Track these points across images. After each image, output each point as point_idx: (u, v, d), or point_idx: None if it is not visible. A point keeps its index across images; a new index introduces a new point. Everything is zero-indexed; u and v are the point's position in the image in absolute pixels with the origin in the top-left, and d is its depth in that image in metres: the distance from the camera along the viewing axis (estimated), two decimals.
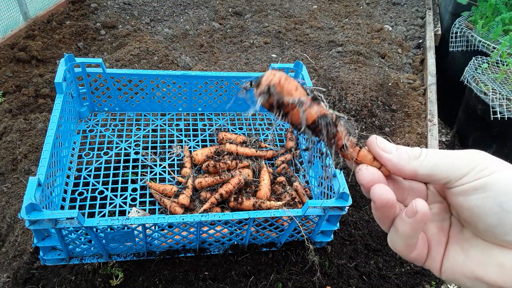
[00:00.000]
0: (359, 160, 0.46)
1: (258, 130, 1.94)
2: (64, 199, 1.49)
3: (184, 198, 1.47)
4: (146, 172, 1.66)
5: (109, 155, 1.70)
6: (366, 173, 0.44)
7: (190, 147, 1.80)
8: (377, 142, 0.44)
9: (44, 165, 1.29)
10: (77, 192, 1.54)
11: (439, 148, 2.24)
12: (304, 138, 1.84)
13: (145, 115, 1.92)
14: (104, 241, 1.26)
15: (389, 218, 0.44)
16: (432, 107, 2.39)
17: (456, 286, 1.61)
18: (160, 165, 1.70)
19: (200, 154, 1.67)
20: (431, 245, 0.45)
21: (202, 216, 1.23)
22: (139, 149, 1.75)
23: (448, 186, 0.41)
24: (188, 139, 1.84)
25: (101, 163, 1.66)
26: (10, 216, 1.51)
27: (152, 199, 1.56)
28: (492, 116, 1.89)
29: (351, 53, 2.83)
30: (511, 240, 0.37)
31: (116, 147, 1.74)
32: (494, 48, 2.22)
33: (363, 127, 2.26)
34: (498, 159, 0.40)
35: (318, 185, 1.61)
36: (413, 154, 0.42)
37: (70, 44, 2.61)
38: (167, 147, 1.79)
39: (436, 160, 0.40)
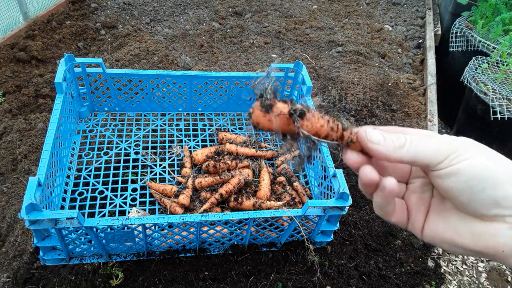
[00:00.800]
0: (351, 147, 0.52)
1: (258, 130, 1.94)
2: (64, 199, 1.49)
3: (184, 198, 1.47)
4: (146, 172, 1.66)
5: (109, 155, 1.70)
6: (352, 158, 0.51)
7: (190, 147, 1.80)
8: (366, 135, 0.49)
9: (44, 165, 1.29)
10: (77, 192, 1.54)
11: None
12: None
13: (145, 115, 1.92)
14: (104, 241, 1.26)
15: (371, 192, 0.52)
16: (432, 107, 2.39)
17: (456, 286, 1.61)
18: (160, 165, 1.70)
19: (200, 154, 1.67)
20: (411, 212, 0.53)
21: (202, 216, 1.23)
22: (139, 149, 1.75)
23: (428, 169, 0.47)
24: (188, 139, 1.84)
25: (101, 163, 1.66)
26: (10, 216, 1.51)
27: (152, 199, 1.56)
28: (492, 116, 1.89)
29: (351, 53, 2.83)
30: (481, 213, 0.44)
31: (116, 147, 1.74)
32: (494, 48, 2.22)
33: None
34: (473, 145, 0.46)
35: (318, 185, 1.61)
36: (399, 144, 0.47)
37: (70, 44, 2.61)
38: (167, 147, 1.79)
39: (418, 148, 0.46)
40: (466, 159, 0.44)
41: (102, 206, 1.52)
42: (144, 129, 1.85)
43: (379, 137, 0.48)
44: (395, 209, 0.53)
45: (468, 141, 0.46)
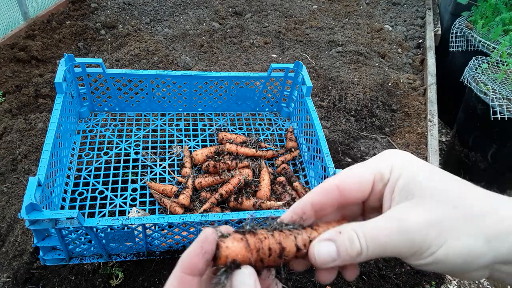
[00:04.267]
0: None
1: (258, 130, 1.94)
2: (64, 199, 1.49)
3: (184, 198, 1.47)
4: (146, 172, 1.66)
5: (109, 155, 1.70)
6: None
7: (190, 147, 1.80)
8: (316, 258, 0.42)
9: (44, 165, 1.29)
10: (77, 192, 1.54)
11: (439, 148, 2.24)
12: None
13: (145, 115, 1.92)
14: (104, 241, 1.26)
15: None
16: (432, 107, 2.39)
17: (457, 287, 1.61)
18: (160, 165, 1.69)
19: (200, 154, 1.67)
20: None
21: (202, 216, 1.23)
22: (139, 149, 1.75)
23: None
24: (188, 139, 1.84)
25: (101, 163, 1.66)
26: (10, 216, 1.51)
27: (152, 199, 1.56)
28: (492, 116, 1.89)
29: (351, 53, 2.83)
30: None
31: (116, 147, 1.74)
32: (494, 48, 2.22)
33: (363, 127, 2.26)
34: (442, 219, 0.39)
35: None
36: (356, 252, 0.41)
37: (70, 44, 2.61)
38: (167, 147, 1.78)
39: (378, 248, 0.40)
40: (440, 246, 0.39)
41: (102, 206, 1.51)
42: (144, 129, 1.85)
43: (332, 255, 0.41)
44: None
45: (435, 218, 0.39)
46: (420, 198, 0.40)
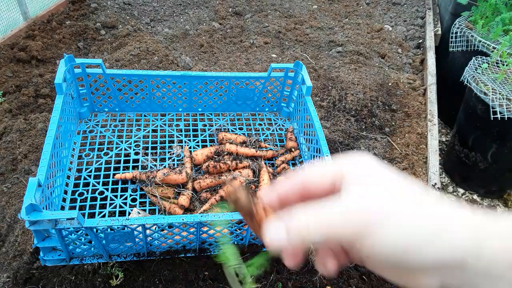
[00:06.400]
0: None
1: (258, 130, 1.94)
2: (64, 200, 1.49)
3: (184, 199, 1.47)
4: None
5: (109, 156, 1.70)
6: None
7: (190, 147, 1.80)
8: (267, 238, 0.43)
9: (44, 165, 1.29)
10: (77, 193, 1.54)
11: (439, 148, 2.24)
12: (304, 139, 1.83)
13: (145, 116, 1.92)
14: (104, 241, 1.26)
15: None
16: (432, 107, 2.39)
17: None
18: (161, 165, 1.69)
19: (200, 154, 1.67)
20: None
21: (202, 216, 1.23)
22: (139, 149, 1.75)
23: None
24: (188, 139, 1.84)
25: (101, 164, 1.66)
26: (10, 216, 1.51)
27: None
28: (492, 116, 1.89)
29: (351, 53, 2.83)
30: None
31: (116, 148, 1.74)
32: (494, 48, 2.22)
33: (363, 127, 2.26)
34: (383, 205, 0.38)
35: None
36: (302, 234, 0.41)
37: (70, 44, 2.61)
38: (167, 147, 1.79)
39: (325, 231, 0.40)
40: (381, 231, 0.37)
41: (102, 206, 1.52)
42: (144, 130, 1.85)
43: (280, 235, 0.42)
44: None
45: (378, 203, 0.38)
46: (369, 185, 0.40)
